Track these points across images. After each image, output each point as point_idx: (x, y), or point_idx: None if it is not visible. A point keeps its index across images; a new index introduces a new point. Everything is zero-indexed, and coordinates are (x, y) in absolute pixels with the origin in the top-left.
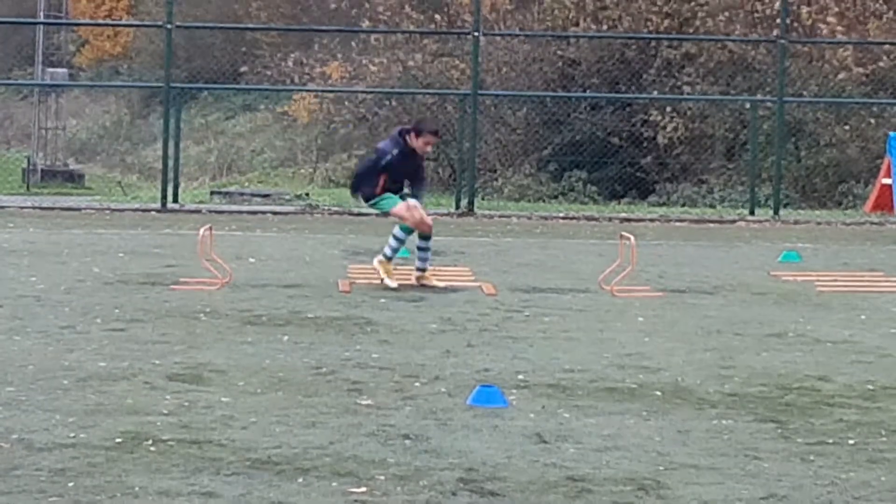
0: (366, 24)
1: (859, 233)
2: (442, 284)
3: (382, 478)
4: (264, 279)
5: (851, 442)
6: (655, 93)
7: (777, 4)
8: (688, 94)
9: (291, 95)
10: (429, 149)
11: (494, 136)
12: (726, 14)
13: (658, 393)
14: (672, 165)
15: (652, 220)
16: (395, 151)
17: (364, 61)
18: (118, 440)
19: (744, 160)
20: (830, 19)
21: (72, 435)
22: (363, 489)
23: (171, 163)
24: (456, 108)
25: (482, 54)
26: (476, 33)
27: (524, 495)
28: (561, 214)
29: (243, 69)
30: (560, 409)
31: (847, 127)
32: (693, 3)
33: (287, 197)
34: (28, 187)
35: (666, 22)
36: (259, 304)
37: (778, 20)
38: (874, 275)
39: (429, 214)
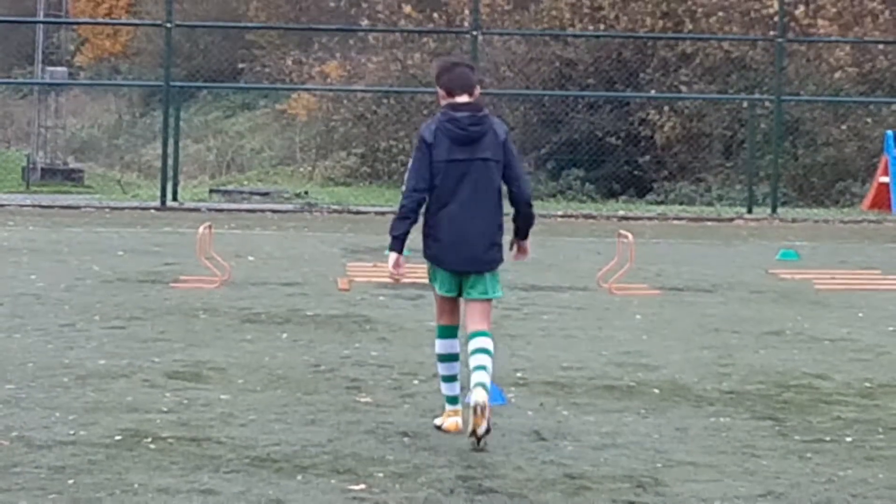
0: (364, 23)
1: (857, 231)
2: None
3: (381, 475)
4: (263, 277)
5: (849, 439)
6: (653, 92)
7: (773, 5)
8: (685, 93)
9: (290, 94)
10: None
11: None
12: (721, 14)
13: (656, 391)
14: (670, 164)
15: (650, 219)
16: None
17: (363, 60)
18: (118, 438)
19: (741, 159)
20: (822, 22)
21: (71, 432)
22: (362, 486)
23: (170, 161)
24: None
25: (480, 53)
26: (474, 32)
27: (522, 493)
28: (559, 213)
29: (242, 67)
30: (558, 407)
31: (844, 126)
32: (690, 2)
33: (286, 195)
34: (28, 186)
35: (661, 22)
36: (258, 303)
37: (773, 20)
38: (872, 273)
39: None
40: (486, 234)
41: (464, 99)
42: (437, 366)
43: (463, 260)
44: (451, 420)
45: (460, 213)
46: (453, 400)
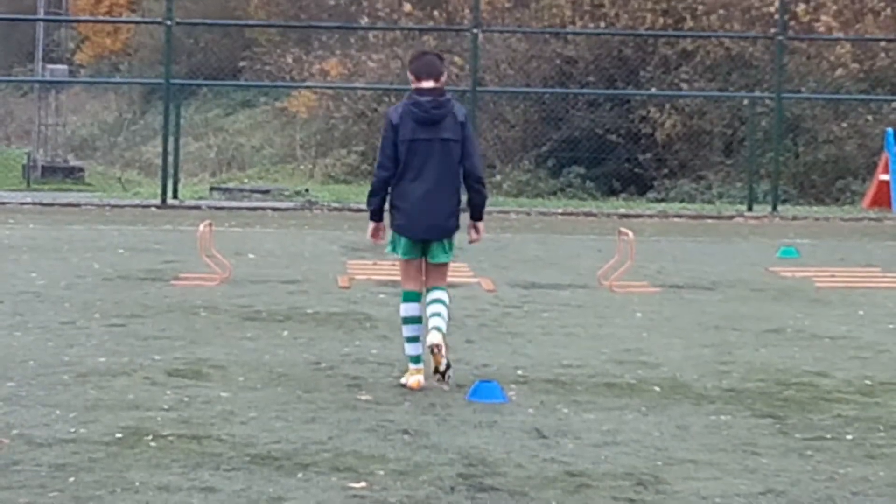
0: (364, 20)
1: (857, 229)
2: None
3: (382, 473)
4: (264, 275)
5: (849, 437)
6: (654, 89)
7: (774, 2)
8: (685, 91)
9: (291, 92)
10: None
11: (493, 133)
12: (722, 12)
13: (656, 388)
14: (670, 161)
15: (650, 216)
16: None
17: (363, 58)
18: (118, 435)
19: (742, 156)
20: (823, 19)
21: (72, 430)
22: (362, 484)
23: (170, 159)
24: None
25: (481, 51)
26: (475, 30)
27: (523, 490)
28: (559, 210)
29: (242, 65)
30: (559, 405)
31: (845, 123)
32: (690, 0)
33: (286, 193)
34: (28, 183)
35: (662, 20)
36: (258, 300)
37: (774, 17)
38: (872, 270)
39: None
40: (447, 206)
41: (429, 84)
42: (402, 328)
43: (426, 229)
44: (413, 378)
45: (423, 187)
46: (416, 359)
